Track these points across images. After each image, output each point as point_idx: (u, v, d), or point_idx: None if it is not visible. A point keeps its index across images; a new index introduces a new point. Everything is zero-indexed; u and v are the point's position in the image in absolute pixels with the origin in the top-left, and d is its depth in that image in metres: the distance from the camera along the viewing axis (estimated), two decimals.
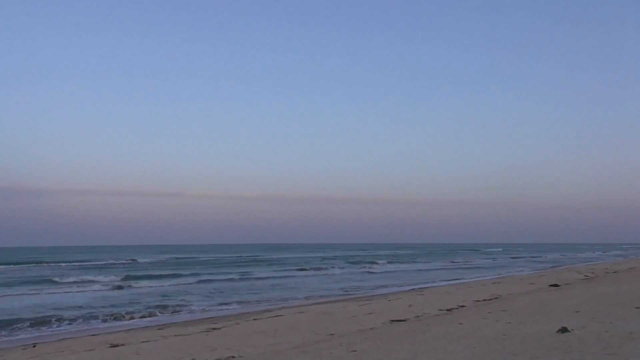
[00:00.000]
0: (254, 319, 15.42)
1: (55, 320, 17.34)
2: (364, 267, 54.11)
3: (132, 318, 18.26)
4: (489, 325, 10.34)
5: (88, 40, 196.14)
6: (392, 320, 13.13)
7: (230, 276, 38.96)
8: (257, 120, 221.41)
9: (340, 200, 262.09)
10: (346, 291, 27.82)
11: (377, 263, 59.45)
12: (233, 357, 9.24)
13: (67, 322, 17.21)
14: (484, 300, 17.55)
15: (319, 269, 48.37)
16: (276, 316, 15.91)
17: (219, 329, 13.42)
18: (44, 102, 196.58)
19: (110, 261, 65.16)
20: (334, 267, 51.17)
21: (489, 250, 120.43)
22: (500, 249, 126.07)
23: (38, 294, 27.34)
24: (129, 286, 31.03)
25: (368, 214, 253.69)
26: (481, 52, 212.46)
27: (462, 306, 15.91)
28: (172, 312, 19.77)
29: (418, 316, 13.87)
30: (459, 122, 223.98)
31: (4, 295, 26.36)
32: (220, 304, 22.25)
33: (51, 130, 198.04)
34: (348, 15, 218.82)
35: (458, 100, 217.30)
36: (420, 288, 27.87)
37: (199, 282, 33.95)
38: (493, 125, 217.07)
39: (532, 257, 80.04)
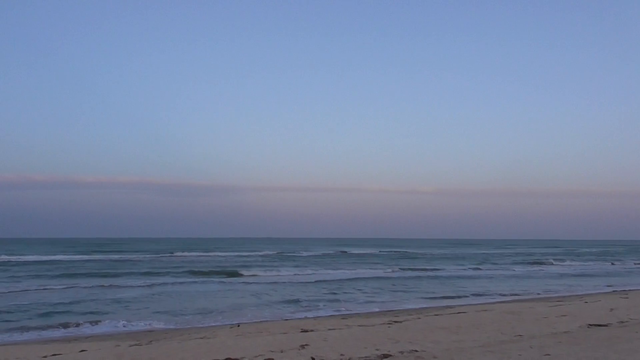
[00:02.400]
0: (435, 315, 15.30)
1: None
2: (550, 264, 50.20)
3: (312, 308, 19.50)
4: None
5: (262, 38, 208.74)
6: (591, 325, 11.93)
7: (404, 272, 39.14)
8: (432, 114, 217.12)
9: (521, 194, 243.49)
10: (534, 291, 25.99)
11: (563, 262, 54.73)
12: (416, 350, 9.30)
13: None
14: None
15: (507, 268, 45.75)
16: (458, 313, 15.57)
17: (401, 322, 13.59)
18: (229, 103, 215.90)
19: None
20: (516, 264, 48.23)
21: None
22: None
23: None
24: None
25: (556, 207, 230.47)
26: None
27: None
28: (354, 304, 20.65)
29: (622, 322, 12.38)
30: None
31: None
32: (401, 298, 22.57)
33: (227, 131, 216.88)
34: None
35: None
36: (623, 290, 24.77)
37: (379, 277, 34.77)
38: None
39: None
